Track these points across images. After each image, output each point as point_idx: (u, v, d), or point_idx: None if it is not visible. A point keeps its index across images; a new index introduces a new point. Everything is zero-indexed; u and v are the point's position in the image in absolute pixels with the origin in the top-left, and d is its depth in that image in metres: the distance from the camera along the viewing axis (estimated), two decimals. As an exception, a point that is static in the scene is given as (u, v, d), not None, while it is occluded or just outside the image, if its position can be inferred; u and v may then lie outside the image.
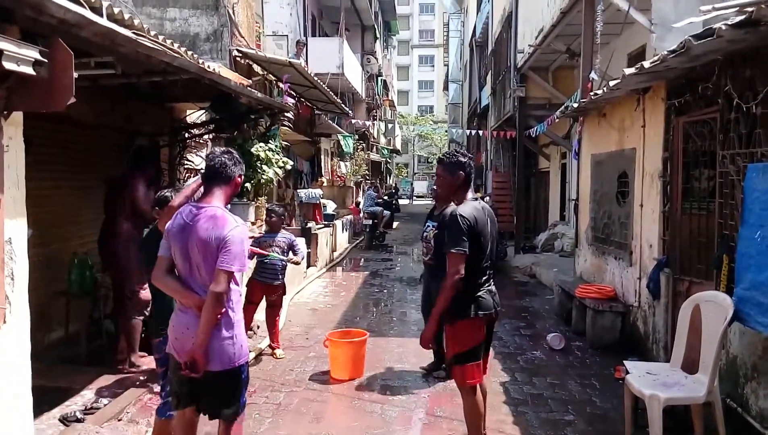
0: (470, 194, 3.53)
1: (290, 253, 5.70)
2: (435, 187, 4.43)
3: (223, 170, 2.86)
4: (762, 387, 3.84)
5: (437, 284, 3.66)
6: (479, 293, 3.43)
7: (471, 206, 3.42)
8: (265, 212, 6.35)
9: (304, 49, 13.02)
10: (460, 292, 3.35)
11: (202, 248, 2.72)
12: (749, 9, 3.24)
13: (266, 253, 5.56)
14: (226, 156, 2.89)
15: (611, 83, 5.71)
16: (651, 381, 3.77)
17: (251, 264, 5.63)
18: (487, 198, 15.27)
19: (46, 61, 2.62)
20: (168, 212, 3.15)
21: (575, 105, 7.79)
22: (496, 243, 3.63)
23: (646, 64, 4.64)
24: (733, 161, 4.23)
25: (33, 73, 2.56)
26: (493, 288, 3.56)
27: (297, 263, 5.81)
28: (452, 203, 3.70)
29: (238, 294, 2.89)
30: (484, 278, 3.50)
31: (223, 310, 2.73)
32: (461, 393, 3.53)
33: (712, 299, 3.82)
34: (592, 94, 6.76)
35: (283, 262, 5.64)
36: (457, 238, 3.29)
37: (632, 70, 4.96)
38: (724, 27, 3.44)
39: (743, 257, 3.72)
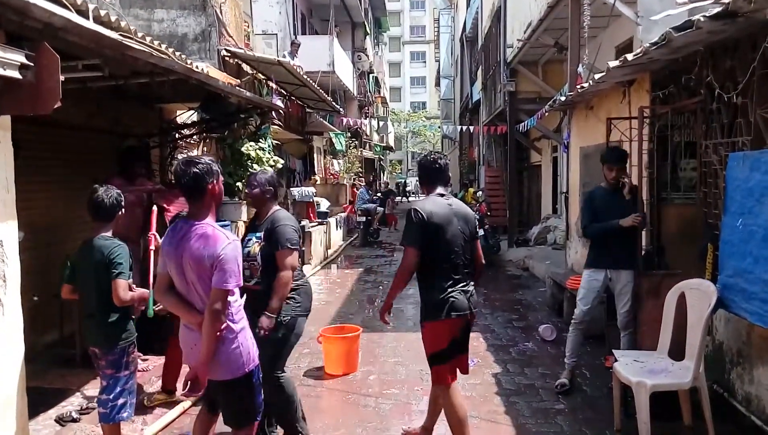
0: (439, 190, 3.54)
1: None
2: (248, 190, 3.76)
3: (198, 184, 2.74)
4: (747, 372, 3.92)
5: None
6: (451, 294, 3.36)
7: (430, 201, 3.44)
8: None
9: (298, 48, 13.03)
10: (429, 292, 3.39)
11: (195, 267, 2.71)
12: (726, 1, 3.30)
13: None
14: (194, 169, 2.72)
15: (596, 76, 5.77)
16: (638, 368, 3.83)
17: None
18: (480, 192, 15.35)
19: (32, 64, 2.64)
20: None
21: (563, 98, 7.85)
22: (467, 239, 3.48)
23: (630, 56, 4.70)
24: (715, 151, 4.30)
25: (19, 77, 2.59)
26: (469, 287, 3.47)
27: None
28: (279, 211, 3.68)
29: (238, 304, 2.91)
30: (457, 277, 3.41)
31: (224, 326, 2.75)
32: (438, 392, 3.54)
33: (697, 287, 3.88)
34: (579, 87, 6.81)
35: None
36: (409, 231, 3.35)
37: (616, 62, 5.01)
38: (702, 19, 3.50)
39: (726, 245, 3.78)
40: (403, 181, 43.70)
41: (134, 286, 3.55)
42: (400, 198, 31.05)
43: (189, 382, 2.77)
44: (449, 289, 3.38)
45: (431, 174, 3.59)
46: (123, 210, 3.52)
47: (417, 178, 3.88)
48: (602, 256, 4.67)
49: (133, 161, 5.34)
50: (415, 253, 3.33)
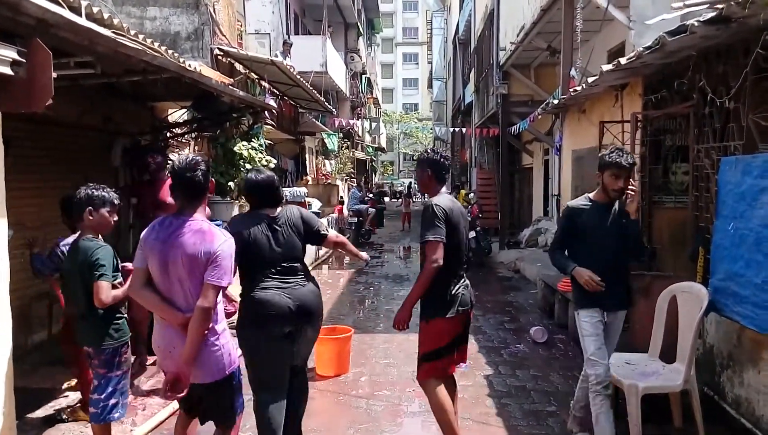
0: (444, 189, 3.55)
1: None
2: None
3: (206, 183, 2.78)
4: (737, 375, 3.94)
5: None
6: (458, 290, 3.41)
7: (445, 198, 3.45)
8: None
9: (291, 48, 12.99)
10: (439, 288, 3.33)
11: (188, 263, 2.66)
12: (719, 6, 3.32)
13: None
14: (203, 168, 2.75)
15: (589, 80, 5.80)
16: (630, 370, 3.85)
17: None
18: (472, 194, 15.39)
19: (24, 61, 2.61)
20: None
21: (555, 102, 7.89)
22: (468, 238, 3.62)
23: (623, 60, 4.73)
24: (707, 155, 4.33)
25: (11, 73, 2.56)
26: (468, 282, 3.55)
27: None
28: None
29: (222, 304, 2.89)
30: (461, 273, 3.48)
31: (210, 324, 2.71)
32: (424, 390, 3.49)
33: (688, 290, 3.91)
34: (571, 90, 6.84)
35: None
36: (434, 226, 3.27)
37: (609, 66, 5.04)
38: (696, 23, 3.53)
39: (718, 249, 3.81)
40: (409, 183, 43.73)
41: (120, 282, 3.47)
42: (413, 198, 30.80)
43: (170, 384, 2.68)
44: (457, 285, 3.41)
45: (441, 171, 3.53)
46: (92, 209, 3.40)
47: (417, 177, 3.72)
48: (594, 294, 3.52)
49: (143, 155, 5.28)
50: (442, 248, 3.25)
